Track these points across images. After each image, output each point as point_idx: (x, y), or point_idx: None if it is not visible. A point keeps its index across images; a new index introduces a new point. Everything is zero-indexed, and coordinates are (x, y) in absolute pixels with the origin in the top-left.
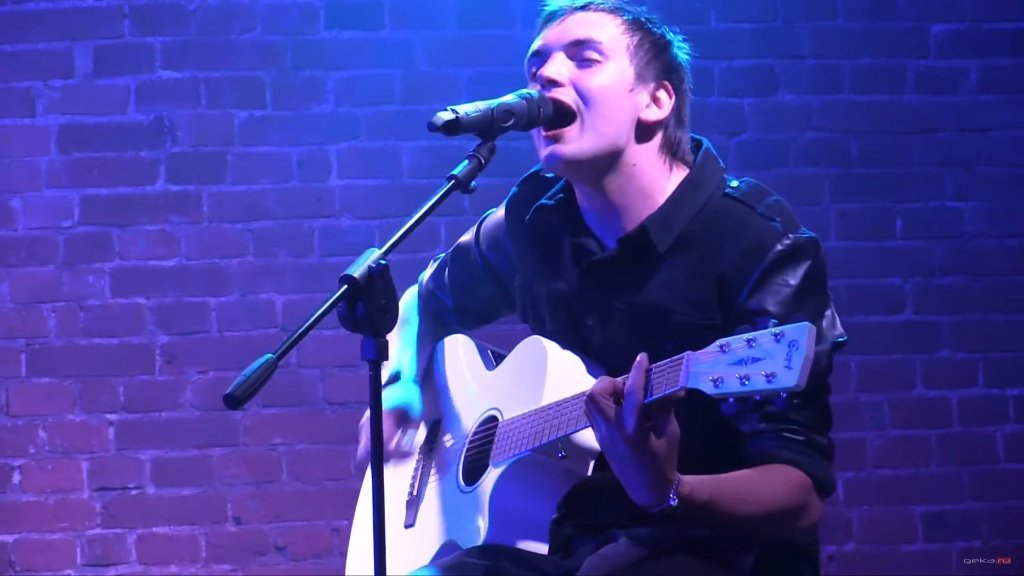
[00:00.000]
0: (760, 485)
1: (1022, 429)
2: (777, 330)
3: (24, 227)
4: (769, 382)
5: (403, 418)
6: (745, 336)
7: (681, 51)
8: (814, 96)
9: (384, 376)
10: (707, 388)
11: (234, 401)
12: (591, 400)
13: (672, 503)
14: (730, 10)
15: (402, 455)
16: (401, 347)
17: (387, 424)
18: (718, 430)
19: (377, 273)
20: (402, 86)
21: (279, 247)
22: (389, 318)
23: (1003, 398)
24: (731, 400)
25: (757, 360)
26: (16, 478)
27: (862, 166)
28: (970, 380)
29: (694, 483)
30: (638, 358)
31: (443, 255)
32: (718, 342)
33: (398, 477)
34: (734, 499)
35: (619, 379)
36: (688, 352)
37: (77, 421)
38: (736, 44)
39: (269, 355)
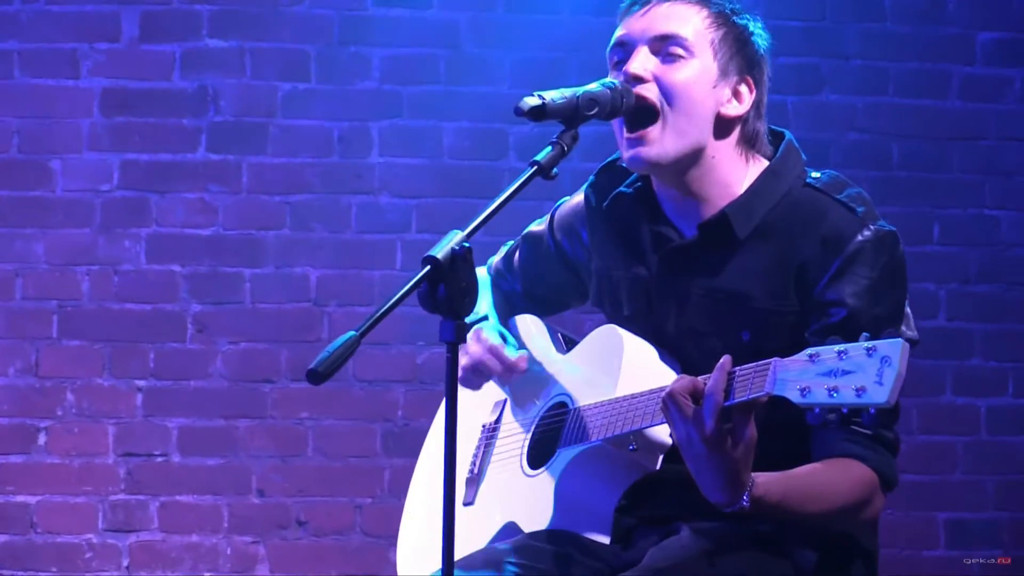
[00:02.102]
0: (829, 481)
1: None
2: (870, 344)
3: (62, 189)
4: (859, 396)
5: (503, 339)
6: (836, 347)
7: (762, 40)
8: (858, 97)
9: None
10: (793, 396)
11: (318, 376)
12: (670, 398)
13: (745, 504)
14: (778, 6)
15: (506, 364)
16: (477, 313)
17: (493, 335)
18: (788, 426)
19: (460, 255)
20: (447, 66)
21: (316, 221)
22: (469, 301)
23: None
24: (816, 411)
25: (848, 373)
26: (42, 439)
27: (903, 170)
28: (1000, 389)
29: (767, 483)
30: (721, 360)
31: (511, 242)
32: (807, 351)
33: (460, 453)
34: (804, 497)
35: (700, 379)
36: (776, 358)
37: (105, 386)
38: (783, 41)
39: (352, 332)
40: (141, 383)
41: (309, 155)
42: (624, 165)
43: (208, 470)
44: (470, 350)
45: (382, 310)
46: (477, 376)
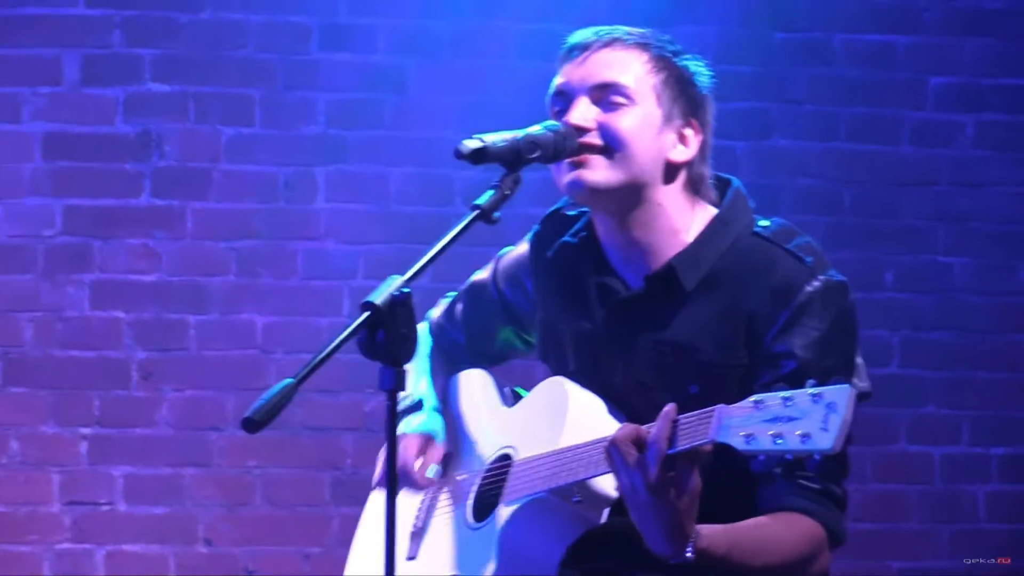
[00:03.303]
0: (775, 535)
1: (1004, 489)
2: (816, 390)
3: (4, 234)
4: (803, 442)
5: (429, 443)
6: (781, 394)
7: (704, 79)
8: (809, 143)
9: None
10: (737, 444)
11: (253, 425)
12: (613, 446)
13: (690, 556)
14: (727, 51)
15: (417, 485)
16: (416, 377)
17: (413, 446)
18: (734, 477)
19: (400, 301)
20: (393, 111)
21: (262, 267)
22: (409, 347)
23: (986, 457)
24: (761, 458)
25: (792, 419)
26: None
27: (854, 216)
28: (954, 437)
29: (712, 535)
30: (665, 408)
31: (453, 293)
32: (752, 398)
33: (404, 508)
34: (750, 550)
35: (644, 427)
36: (720, 405)
37: (50, 433)
38: (732, 86)
39: (289, 379)
40: (86, 431)
41: (254, 200)
42: (571, 212)
43: (154, 519)
44: (377, 468)
45: (320, 357)
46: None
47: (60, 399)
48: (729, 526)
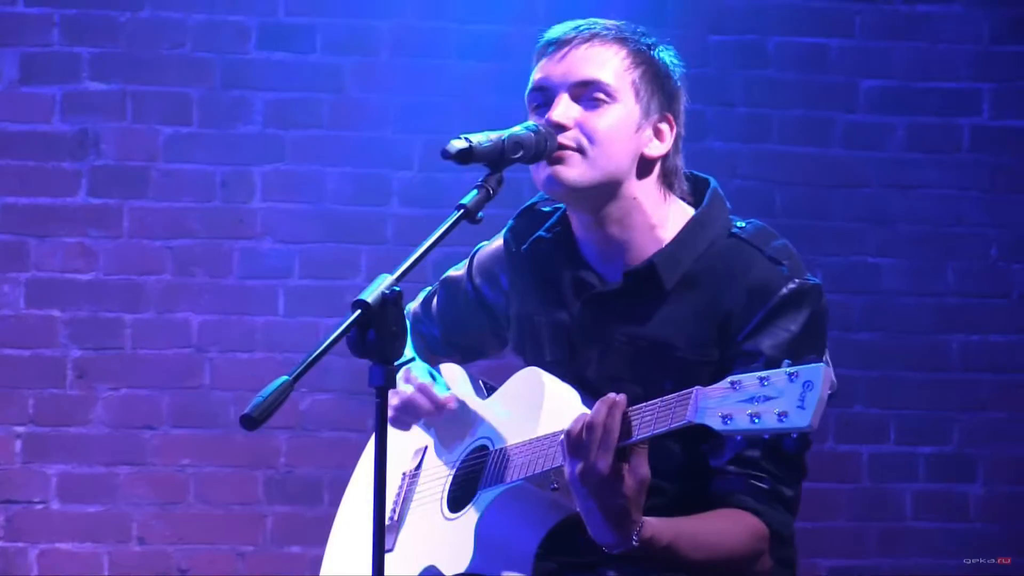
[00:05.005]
0: (720, 530)
1: (931, 488)
2: (792, 369)
3: None
4: (780, 421)
5: (432, 378)
6: (757, 374)
7: (677, 69)
8: (742, 144)
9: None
10: (715, 424)
11: (252, 422)
12: (567, 435)
13: (635, 543)
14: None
15: (430, 407)
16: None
17: (420, 371)
18: (688, 471)
19: (391, 299)
20: (331, 111)
21: (198, 266)
22: (399, 345)
23: (914, 456)
24: (738, 438)
25: (769, 399)
26: None
27: (785, 217)
28: (882, 436)
29: (656, 526)
30: (616, 398)
31: (429, 288)
32: (729, 378)
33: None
34: (693, 544)
35: (598, 417)
36: (697, 387)
37: None
38: None
39: (285, 377)
40: (20, 429)
41: (191, 199)
42: (545, 208)
43: (88, 517)
44: (400, 389)
45: (313, 355)
46: (406, 415)
47: None
48: (674, 519)
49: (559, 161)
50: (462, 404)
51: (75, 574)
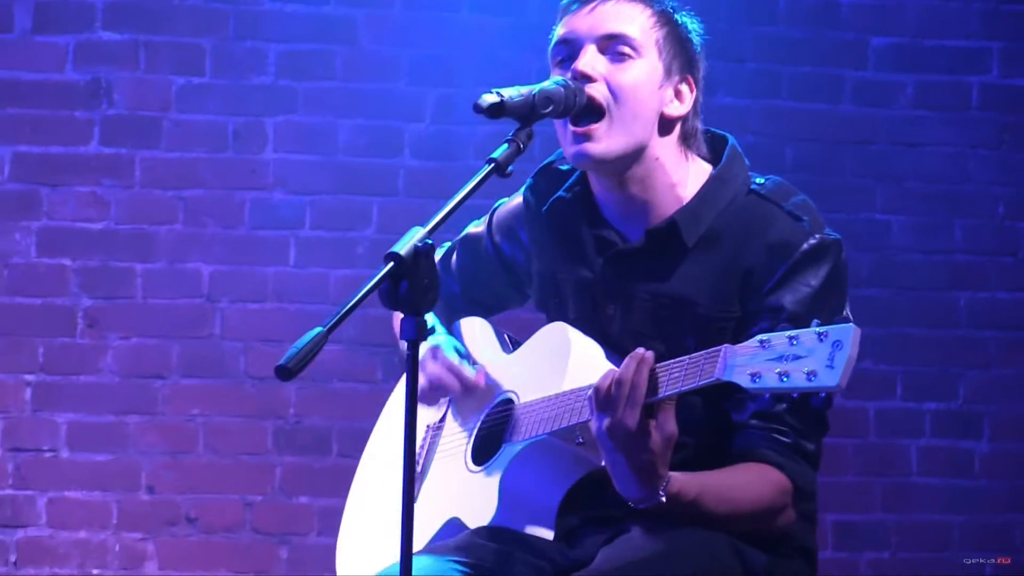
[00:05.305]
0: (744, 484)
1: (936, 443)
2: (822, 329)
3: None
4: (809, 380)
5: (456, 352)
6: (787, 333)
7: (698, 38)
8: (752, 100)
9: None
10: (744, 382)
11: (287, 373)
12: (595, 391)
13: (662, 498)
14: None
15: (457, 382)
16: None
17: (449, 356)
18: (710, 426)
19: (423, 252)
20: (343, 63)
21: (209, 216)
22: (431, 297)
23: (920, 412)
24: (766, 396)
25: (799, 358)
26: None
27: (795, 173)
28: (888, 392)
29: (682, 481)
30: (644, 354)
31: (448, 243)
32: (758, 337)
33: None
34: (718, 498)
35: (626, 373)
36: (726, 345)
37: None
38: None
39: (319, 328)
40: (30, 377)
41: (203, 150)
42: (564, 167)
43: (97, 466)
44: (427, 369)
45: (347, 307)
46: (435, 392)
47: (5, 345)
48: (699, 473)
49: (587, 138)
50: (487, 359)
51: (84, 522)
